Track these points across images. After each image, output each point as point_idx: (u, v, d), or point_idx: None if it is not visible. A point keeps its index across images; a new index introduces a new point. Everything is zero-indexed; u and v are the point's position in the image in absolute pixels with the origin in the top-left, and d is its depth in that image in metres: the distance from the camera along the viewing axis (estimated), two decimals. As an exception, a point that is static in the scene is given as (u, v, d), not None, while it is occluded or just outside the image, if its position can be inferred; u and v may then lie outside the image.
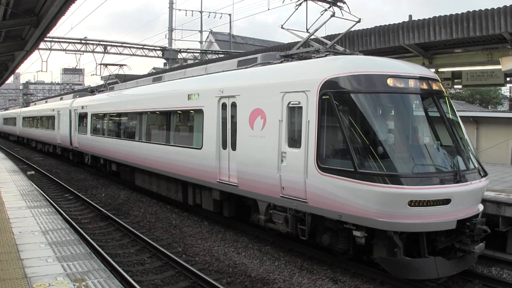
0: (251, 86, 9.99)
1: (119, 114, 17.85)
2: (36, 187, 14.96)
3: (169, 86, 14.25)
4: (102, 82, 33.52)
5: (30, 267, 6.27)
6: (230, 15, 39.57)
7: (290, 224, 8.87)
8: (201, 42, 40.81)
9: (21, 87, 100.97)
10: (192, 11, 38.86)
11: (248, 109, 9.77)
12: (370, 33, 13.85)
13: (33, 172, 22.21)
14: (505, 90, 53.53)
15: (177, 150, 12.72)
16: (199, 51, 37.39)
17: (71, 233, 8.34)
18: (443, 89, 8.66)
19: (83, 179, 20.98)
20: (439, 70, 14.97)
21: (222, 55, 32.76)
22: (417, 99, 8.16)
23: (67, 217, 12.19)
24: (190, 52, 36.61)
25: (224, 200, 11.21)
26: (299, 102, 8.44)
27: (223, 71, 11.72)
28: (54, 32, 35.99)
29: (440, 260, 7.40)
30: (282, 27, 10.26)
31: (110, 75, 23.73)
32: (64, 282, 5.72)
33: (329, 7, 9.59)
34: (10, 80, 54.39)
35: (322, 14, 9.71)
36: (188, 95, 12.19)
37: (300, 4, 9.87)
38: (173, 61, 33.73)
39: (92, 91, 25.54)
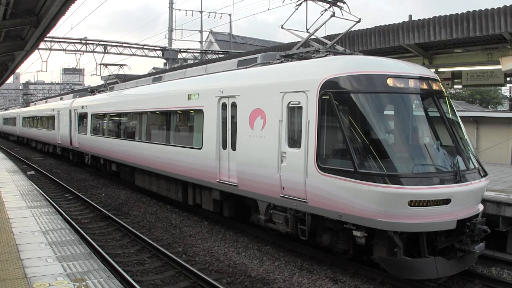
0: (251, 86, 9.98)
1: (119, 114, 17.86)
2: (36, 187, 14.96)
3: (169, 86, 14.25)
4: (102, 82, 33.52)
5: (30, 267, 6.27)
6: (230, 15, 39.64)
7: (290, 224, 8.87)
8: (201, 42, 40.83)
9: (21, 87, 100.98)
10: (192, 11, 38.94)
11: (248, 109, 9.77)
12: (370, 33, 13.85)
13: (33, 172, 22.21)
14: (505, 90, 53.56)
15: (177, 150, 12.72)
16: (199, 51, 37.41)
17: (71, 233, 8.34)
18: (443, 89, 8.67)
19: (83, 179, 20.98)
20: (439, 70, 14.97)
21: (222, 55, 32.77)
22: (417, 99, 8.16)
23: (67, 217, 12.19)
24: (190, 52, 36.63)
25: (224, 200, 11.21)
26: (299, 102, 8.44)
27: (223, 71, 11.72)
28: (54, 32, 36.02)
29: (440, 260, 7.40)
30: (282, 27, 10.27)
31: (110, 75, 23.73)
32: (64, 282, 5.72)
33: (329, 7, 9.59)
34: (10, 80, 54.39)
35: (322, 14, 9.71)
36: (188, 95, 12.19)
37: (300, 4, 9.87)
38: (173, 61, 33.74)
39: (92, 91, 25.53)
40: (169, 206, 14.65)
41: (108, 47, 31.80)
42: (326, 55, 8.98)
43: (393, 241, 7.32)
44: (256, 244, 10.39)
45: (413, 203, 7.08)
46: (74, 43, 30.94)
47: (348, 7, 9.60)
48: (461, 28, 11.88)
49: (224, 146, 10.57)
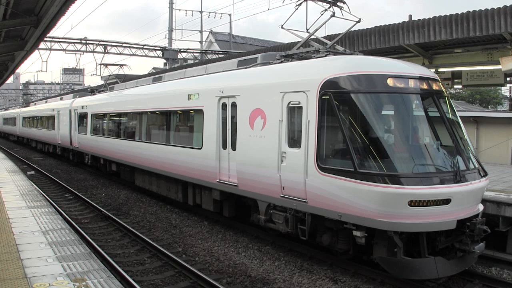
0: (251, 86, 9.99)
1: (119, 114, 17.86)
2: (36, 187, 14.96)
3: (169, 86, 14.25)
4: (102, 82, 33.53)
5: (30, 267, 6.27)
6: (230, 15, 39.66)
7: (290, 224, 8.87)
8: (201, 42, 40.84)
9: (21, 87, 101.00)
10: (192, 11, 38.96)
11: (248, 109, 9.77)
12: (370, 33, 13.85)
13: (33, 172, 22.21)
14: (505, 90, 53.56)
15: (177, 150, 12.72)
16: (199, 51, 37.41)
17: (71, 233, 8.34)
18: (443, 89, 8.67)
19: (83, 179, 20.98)
20: (439, 70, 14.97)
21: (222, 55, 32.77)
22: (417, 99, 8.16)
23: (67, 217, 12.19)
24: (190, 52, 36.63)
25: (224, 200, 11.21)
26: (299, 102, 8.44)
27: (223, 71, 11.72)
28: (54, 32, 36.04)
29: (440, 260, 7.40)
30: (282, 27, 10.27)
31: (110, 75, 23.73)
32: (64, 282, 5.72)
33: (329, 7, 9.59)
34: (10, 80, 54.41)
35: (322, 14, 9.71)
36: (188, 95, 12.19)
37: (300, 4, 9.87)
38: (173, 61, 33.74)
39: (92, 91, 25.54)
40: (169, 206, 14.65)
41: (108, 47, 31.81)
42: (326, 55, 8.98)
43: (393, 241, 7.32)
44: (256, 244, 10.39)
45: (413, 203, 7.08)
46: (74, 43, 30.95)
47: (348, 7, 9.61)
48: (461, 28, 11.88)
49: (224, 146, 10.57)
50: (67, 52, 30.94)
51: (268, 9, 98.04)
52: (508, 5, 11.16)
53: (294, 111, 8.65)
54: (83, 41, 31.04)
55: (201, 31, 40.31)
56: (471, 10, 11.87)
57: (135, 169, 16.24)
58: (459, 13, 12.03)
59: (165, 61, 37.75)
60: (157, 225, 12.32)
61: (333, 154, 8.11)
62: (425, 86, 8.09)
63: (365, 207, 7.28)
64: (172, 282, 8.25)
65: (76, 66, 54.73)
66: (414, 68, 8.66)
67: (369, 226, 7.42)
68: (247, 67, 10.88)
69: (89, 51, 31.27)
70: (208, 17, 41.15)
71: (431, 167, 7.65)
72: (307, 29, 10.04)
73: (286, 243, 10.13)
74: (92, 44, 31.31)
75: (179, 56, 34.97)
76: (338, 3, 9.56)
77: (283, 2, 11.08)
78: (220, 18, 45.88)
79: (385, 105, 8.07)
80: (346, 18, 9.65)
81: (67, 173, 23.38)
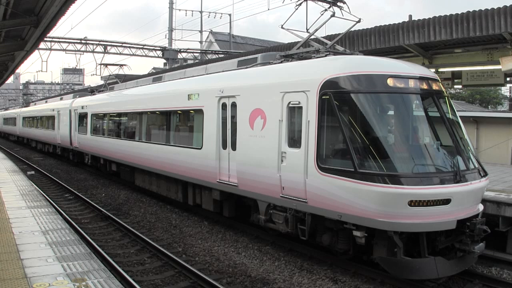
0: (251, 86, 9.99)
1: (119, 114, 17.86)
2: (36, 187, 14.95)
3: (169, 86, 14.26)
4: (102, 82, 33.52)
5: (30, 267, 6.27)
6: (230, 15, 39.66)
7: (290, 224, 8.87)
8: (201, 42, 40.85)
9: (21, 87, 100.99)
10: (192, 11, 38.97)
11: (248, 109, 9.77)
12: (370, 33, 13.85)
13: (33, 172, 22.21)
14: (505, 90, 53.56)
15: (177, 150, 12.72)
16: (199, 51, 37.42)
17: (71, 233, 8.34)
18: (443, 89, 8.67)
19: (83, 179, 20.98)
20: (439, 70, 14.97)
21: (222, 55, 32.77)
22: (417, 99, 8.16)
23: (67, 217, 12.19)
24: (190, 52, 36.64)
25: (224, 200, 11.21)
26: (299, 102, 8.44)
27: (223, 71, 11.72)
28: (54, 32, 36.03)
29: (440, 260, 7.40)
30: (282, 27, 10.27)
31: (110, 75, 23.73)
32: (64, 282, 5.72)
33: (329, 7, 9.59)
34: (10, 80, 54.40)
35: (322, 14, 9.71)
36: (188, 95, 12.20)
37: (300, 4, 9.87)
38: (173, 61, 33.75)
39: (92, 91, 25.54)
40: (169, 206, 14.65)
41: (108, 47, 31.82)
42: (326, 55, 8.98)
43: (393, 241, 7.32)
44: (256, 244, 10.39)
45: (413, 203, 7.08)
46: (74, 43, 30.95)
47: (348, 7, 9.61)
48: (461, 28, 11.88)
49: (224, 146, 10.57)
50: (67, 52, 30.95)
51: (268, 9, 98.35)
52: (508, 5, 11.16)
53: (294, 111, 8.65)
54: (83, 41, 31.05)
55: (201, 31, 40.35)
56: (471, 10, 11.87)
57: (135, 169, 16.24)
58: (459, 13, 12.03)
59: (165, 61, 37.76)
60: (157, 225, 12.33)
61: (333, 154, 8.11)
62: (425, 86, 8.09)
63: (365, 207, 7.28)
64: (172, 282, 8.25)
65: (76, 66, 54.79)
66: (414, 68, 8.66)
67: (369, 226, 7.42)
68: (247, 67, 10.88)
69: (89, 51, 31.28)
70: (208, 17, 41.21)
71: (431, 167, 7.65)
72: (307, 29, 10.05)
73: (286, 243, 10.13)
74: (92, 44, 31.32)
75: (179, 56, 34.98)
76: (338, 3, 9.56)
77: (283, 2, 11.09)
78: (220, 18, 45.92)
79: (385, 105, 8.07)
80: (346, 18, 9.66)
81: (67, 173, 23.38)
